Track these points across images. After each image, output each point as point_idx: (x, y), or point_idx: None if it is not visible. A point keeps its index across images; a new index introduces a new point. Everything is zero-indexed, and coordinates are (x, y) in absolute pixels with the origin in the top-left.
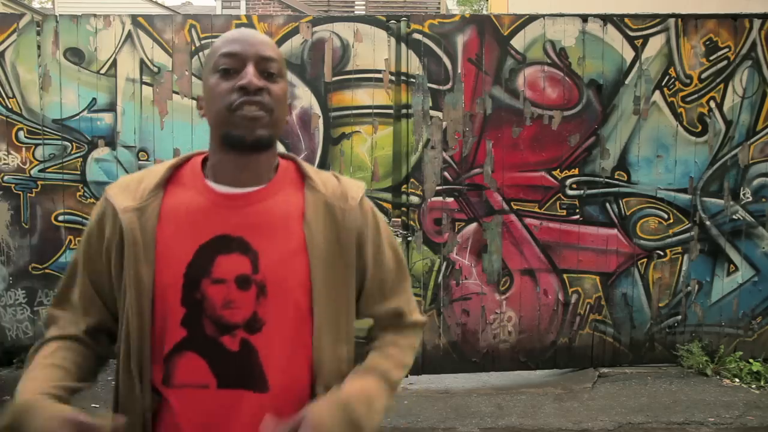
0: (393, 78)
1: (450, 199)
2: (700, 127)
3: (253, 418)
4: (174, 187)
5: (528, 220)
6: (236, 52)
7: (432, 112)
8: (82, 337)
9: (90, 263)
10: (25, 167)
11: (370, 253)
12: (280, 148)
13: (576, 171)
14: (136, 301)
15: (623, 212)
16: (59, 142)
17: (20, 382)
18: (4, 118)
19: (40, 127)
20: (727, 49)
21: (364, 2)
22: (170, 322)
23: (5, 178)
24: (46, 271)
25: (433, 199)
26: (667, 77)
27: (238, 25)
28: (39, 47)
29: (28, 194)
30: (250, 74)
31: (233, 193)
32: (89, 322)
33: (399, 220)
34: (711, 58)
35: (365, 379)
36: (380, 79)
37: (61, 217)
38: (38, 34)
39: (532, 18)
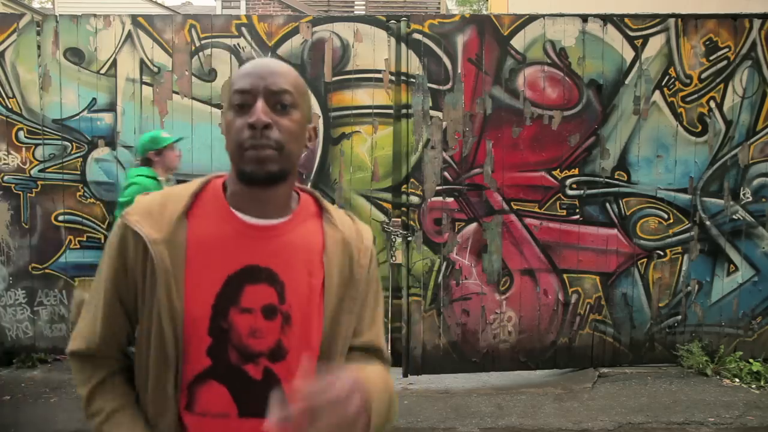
0: (393, 78)
1: (450, 199)
2: (700, 127)
3: None
4: (198, 214)
5: (528, 220)
6: (247, 88)
7: (432, 112)
8: (117, 369)
9: (117, 284)
10: (25, 167)
11: (365, 292)
12: None
13: (576, 171)
14: (172, 332)
15: (623, 212)
16: (59, 142)
17: None
18: (4, 118)
19: (40, 127)
20: (727, 49)
21: (363, 2)
22: (194, 350)
23: (5, 178)
24: (46, 271)
25: (433, 199)
26: (667, 77)
27: (237, 26)
28: (39, 47)
29: (28, 194)
30: (258, 111)
31: (260, 224)
32: (111, 338)
33: (399, 220)
34: (711, 58)
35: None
36: (380, 79)
37: (61, 217)
38: (38, 34)
39: (532, 18)
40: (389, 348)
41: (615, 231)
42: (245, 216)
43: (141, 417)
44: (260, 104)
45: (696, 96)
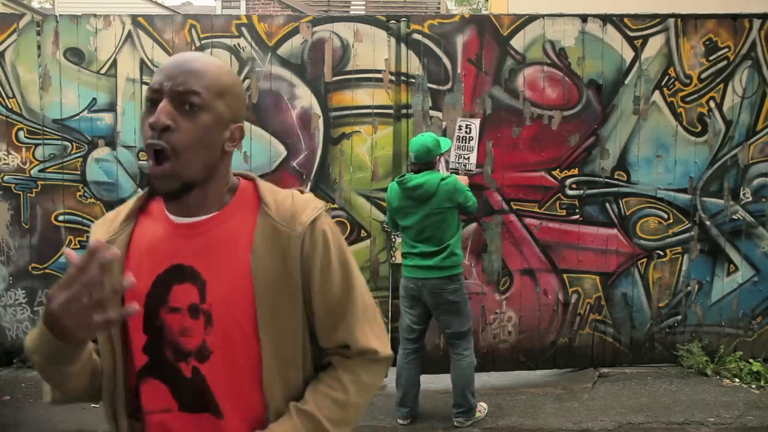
0: (393, 78)
1: None
2: (699, 127)
3: None
4: (145, 217)
5: (528, 220)
6: (156, 87)
7: (432, 112)
8: None
9: None
10: (25, 167)
11: (317, 282)
12: (279, 147)
13: (576, 171)
14: (107, 333)
15: (623, 212)
16: (59, 142)
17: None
18: (4, 118)
19: (40, 127)
20: (726, 49)
21: (363, 2)
22: (135, 348)
23: (5, 178)
24: (46, 271)
25: None
26: (667, 77)
27: (237, 26)
28: (39, 47)
29: (28, 194)
30: (159, 111)
31: (186, 222)
32: None
33: None
34: (711, 58)
35: (291, 424)
36: (380, 79)
37: (61, 217)
38: (38, 34)
39: (532, 18)
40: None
41: (615, 231)
42: (174, 216)
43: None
44: (163, 104)
45: (696, 96)
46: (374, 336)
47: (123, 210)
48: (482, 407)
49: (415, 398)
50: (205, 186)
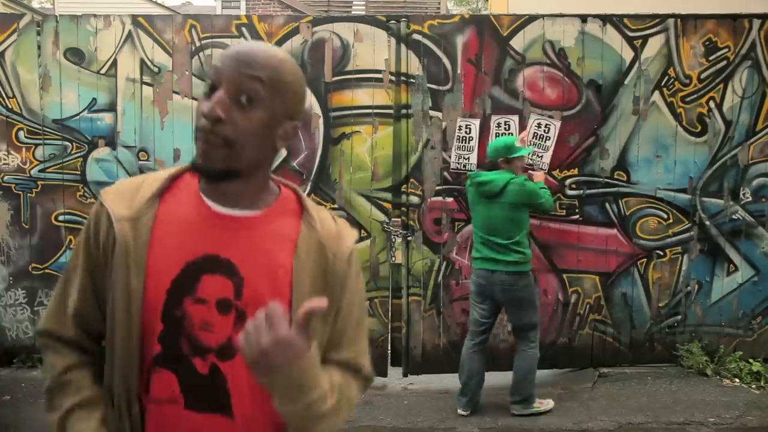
0: (393, 78)
1: (450, 199)
2: (699, 127)
3: None
4: (170, 197)
5: None
6: (218, 68)
7: (432, 113)
8: (87, 360)
9: (89, 261)
10: (26, 167)
11: (345, 303)
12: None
13: (575, 171)
14: (126, 312)
15: (623, 212)
16: (59, 142)
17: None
18: (5, 118)
19: (40, 127)
20: (726, 50)
21: (363, 3)
22: (149, 334)
23: (5, 178)
24: (46, 271)
25: (433, 198)
26: (667, 77)
27: (238, 26)
28: (39, 47)
29: (28, 194)
30: (214, 100)
31: (227, 214)
32: (81, 320)
33: (399, 219)
34: (710, 58)
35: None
36: (380, 80)
37: (61, 217)
38: (38, 34)
39: (532, 18)
40: (389, 348)
41: (615, 231)
42: (214, 204)
43: (99, 410)
44: (219, 94)
45: (695, 96)
46: (367, 357)
47: (145, 185)
48: (547, 403)
49: (475, 389)
50: (251, 178)
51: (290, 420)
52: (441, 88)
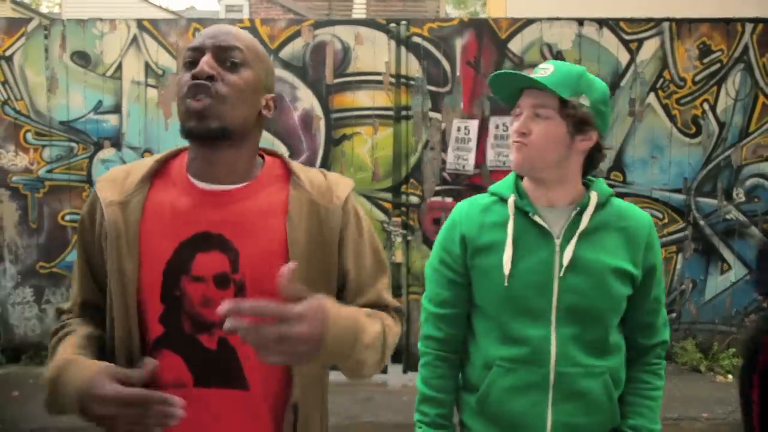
0: (393, 80)
1: (449, 199)
2: (694, 129)
3: (232, 416)
4: (160, 181)
5: None
6: (196, 45)
7: (431, 114)
8: (92, 332)
9: (85, 250)
10: (33, 168)
11: (350, 254)
12: (281, 149)
13: None
14: (121, 297)
15: None
16: (66, 144)
17: (53, 355)
18: (13, 119)
19: (47, 129)
20: (720, 53)
21: (364, 6)
22: (149, 317)
23: (13, 178)
24: (53, 269)
25: (433, 199)
26: (662, 80)
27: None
28: (47, 50)
29: (36, 194)
30: (203, 62)
31: (215, 189)
32: (85, 297)
33: (399, 219)
34: (704, 61)
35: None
36: (380, 81)
37: (67, 217)
38: (46, 37)
39: (530, 21)
40: None
41: None
42: (200, 182)
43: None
44: (206, 57)
45: (690, 98)
46: (388, 293)
47: (136, 169)
48: None
49: None
50: (239, 147)
51: (344, 367)
52: (440, 89)
